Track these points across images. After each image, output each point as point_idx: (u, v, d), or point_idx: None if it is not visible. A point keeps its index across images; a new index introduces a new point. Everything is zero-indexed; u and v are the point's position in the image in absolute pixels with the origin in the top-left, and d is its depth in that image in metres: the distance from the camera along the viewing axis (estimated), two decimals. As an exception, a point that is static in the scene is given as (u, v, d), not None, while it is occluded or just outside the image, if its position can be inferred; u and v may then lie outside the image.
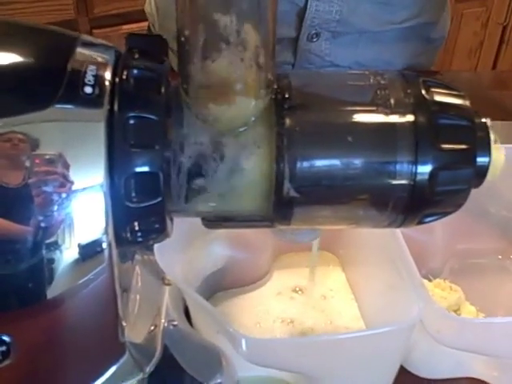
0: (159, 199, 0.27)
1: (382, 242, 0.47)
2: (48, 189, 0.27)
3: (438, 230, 0.54)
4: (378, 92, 0.30)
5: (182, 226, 0.31)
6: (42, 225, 0.27)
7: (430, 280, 0.57)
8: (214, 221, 0.31)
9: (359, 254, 0.53)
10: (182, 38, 0.28)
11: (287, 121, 0.28)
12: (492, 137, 0.31)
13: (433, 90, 0.30)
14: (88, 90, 0.27)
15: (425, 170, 0.29)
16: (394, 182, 0.29)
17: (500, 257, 0.57)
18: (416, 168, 0.29)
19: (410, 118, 0.29)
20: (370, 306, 0.52)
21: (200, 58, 0.28)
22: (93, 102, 0.27)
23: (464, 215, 0.36)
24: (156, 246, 0.36)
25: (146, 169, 0.27)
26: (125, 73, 0.28)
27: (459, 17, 1.78)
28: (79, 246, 0.27)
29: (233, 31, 0.27)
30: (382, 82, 0.31)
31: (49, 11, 1.42)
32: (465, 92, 0.31)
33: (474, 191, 0.31)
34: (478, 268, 0.56)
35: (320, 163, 0.29)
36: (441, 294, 0.53)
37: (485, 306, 0.52)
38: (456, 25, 1.79)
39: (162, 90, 0.28)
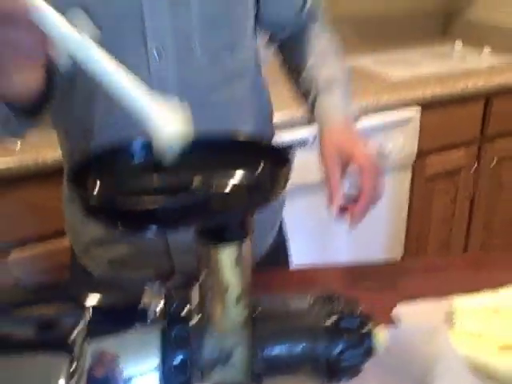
0: (188, 376, 0.51)
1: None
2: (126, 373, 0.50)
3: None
4: (311, 306, 0.55)
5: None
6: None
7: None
8: None
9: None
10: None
11: (257, 327, 0.52)
12: (375, 336, 0.54)
13: (340, 303, 0.54)
14: (151, 316, 0.51)
15: (335, 351, 0.52)
16: (318, 359, 0.52)
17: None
18: (330, 351, 0.52)
19: (328, 323, 0.53)
20: None
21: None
22: (154, 322, 0.51)
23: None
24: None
25: (181, 358, 0.51)
26: (170, 304, 0.52)
27: (431, 193, 2.09)
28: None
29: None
30: (312, 301, 0.55)
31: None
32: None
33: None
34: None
35: (277, 351, 0.52)
36: None
37: None
38: (428, 200, 2.09)
39: (189, 312, 0.52)
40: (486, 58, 2.35)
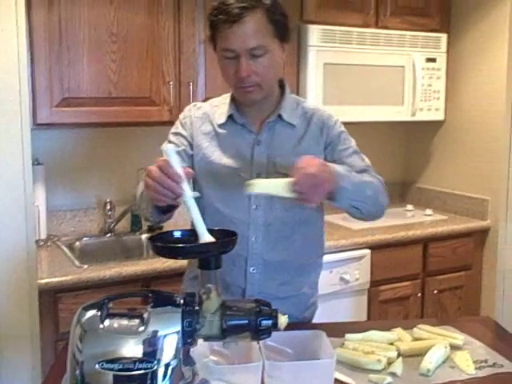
0: (193, 333, 1.16)
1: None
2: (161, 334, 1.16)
3: None
4: (251, 303, 1.21)
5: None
6: (153, 350, 1.15)
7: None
8: (206, 338, 1.19)
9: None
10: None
11: (224, 310, 1.19)
12: (279, 317, 1.20)
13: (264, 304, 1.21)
14: (178, 303, 1.19)
15: (258, 322, 1.18)
16: (251, 326, 1.18)
17: None
18: (256, 322, 1.18)
19: (256, 309, 1.19)
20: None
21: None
22: (179, 306, 1.18)
23: None
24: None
25: (189, 322, 1.17)
26: (187, 299, 1.20)
27: (385, 313, 2.71)
28: (173, 354, 1.15)
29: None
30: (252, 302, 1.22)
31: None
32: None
33: None
34: None
35: (233, 321, 1.18)
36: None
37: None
38: (383, 318, 2.70)
39: (194, 302, 1.19)
40: (428, 216, 3.11)
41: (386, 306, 2.72)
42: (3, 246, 2.00)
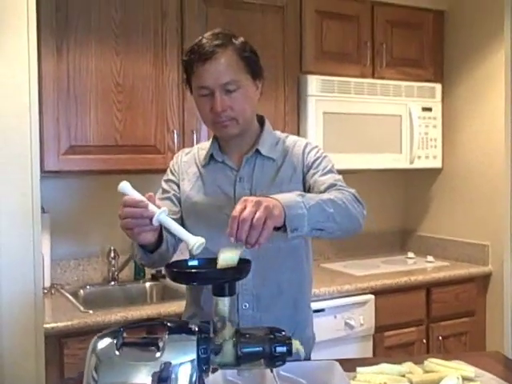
0: (208, 360, 1.17)
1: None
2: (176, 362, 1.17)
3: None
4: (265, 329, 1.22)
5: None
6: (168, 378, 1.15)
7: None
8: (221, 366, 1.19)
9: None
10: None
11: (238, 337, 1.19)
12: (293, 345, 1.21)
13: (279, 331, 1.22)
14: (195, 330, 1.19)
15: (272, 349, 1.19)
16: (265, 353, 1.18)
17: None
18: (270, 349, 1.19)
19: (270, 336, 1.20)
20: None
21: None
22: (194, 333, 1.19)
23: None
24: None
25: (204, 349, 1.17)
26: (202, 326, 1.20)
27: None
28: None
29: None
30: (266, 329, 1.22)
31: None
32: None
33: None
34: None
35: (247, 349, 1.19)
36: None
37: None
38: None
39: (208, 330, 1.20)
40: (429, 262, 3.13)
41: (391, 352, 2.70)
42: (11, 292, 2.00)
